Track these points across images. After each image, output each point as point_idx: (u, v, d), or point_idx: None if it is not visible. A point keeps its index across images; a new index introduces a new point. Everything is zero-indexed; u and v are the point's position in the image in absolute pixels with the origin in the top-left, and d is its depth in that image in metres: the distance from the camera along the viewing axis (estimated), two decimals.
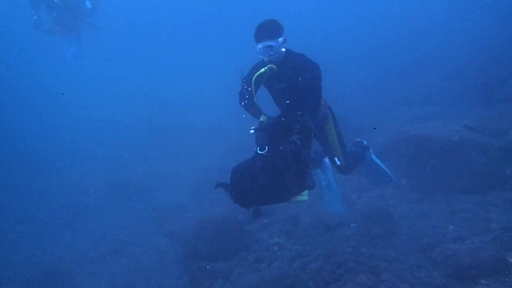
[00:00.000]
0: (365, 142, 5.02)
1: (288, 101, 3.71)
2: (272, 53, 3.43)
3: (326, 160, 4.70)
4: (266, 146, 3.19)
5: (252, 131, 3.38)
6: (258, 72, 3.46)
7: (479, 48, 11.32)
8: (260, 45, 3.42)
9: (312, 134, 3.35)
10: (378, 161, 4.98)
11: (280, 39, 3.44)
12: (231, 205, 6.67)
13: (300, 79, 3.47)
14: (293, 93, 3.62)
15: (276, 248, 4.95)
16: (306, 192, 3.27)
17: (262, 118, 3.78)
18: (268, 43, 3.39)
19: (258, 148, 3.22)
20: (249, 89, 3.63)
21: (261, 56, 3.52)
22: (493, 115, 6.56)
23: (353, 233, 4.82)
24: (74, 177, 11.61)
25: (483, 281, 3.34)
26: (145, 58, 29.79)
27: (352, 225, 5.07)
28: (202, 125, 13.88)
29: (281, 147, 3.08)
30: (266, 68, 3.44)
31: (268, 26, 3.40)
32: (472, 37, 13.22)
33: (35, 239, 8.06)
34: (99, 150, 13.47)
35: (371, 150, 4.98)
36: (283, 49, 3.52)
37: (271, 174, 3.03)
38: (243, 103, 3.82)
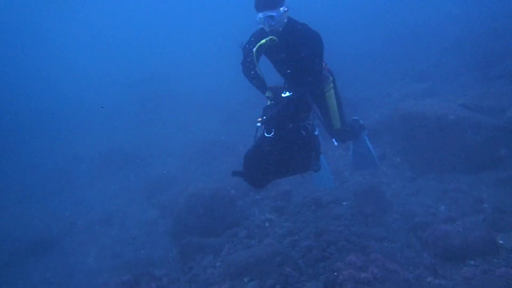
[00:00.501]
0: (361, 121, 4.90)
1: (289, 71, 3.63)
2: (273, 23, 3.29)
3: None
4: (273, 129, 3.30)
5: (258, 124, 3.35)
6: (259, 44, 3.33)
7: (478, 22, 11.04)
8: (260, 15, 3.28)
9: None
10: (369, 144, 4.81)
11: (281, 8, 3.29)
12: (223, 179, 6.69)
13: (301, 50, 3.36)
14: (294, 63, 3.53)
15: (267, 224, 4.95)
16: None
17: (267, 94, 3.70)
18: (269, 13, 3.24)
19: (265, 131, 3.34)
20: (250, 59, 3.50)
21: (261, 25, 3.39)
22: (491, 92, 6.47)
23: (345, 211, 4.82)
24: (64, 142, 11.44)
25: (472, 262, 3.38)
26: (142, 21, 28.85)
27: (344, 203, 5.07)
28: (197, 93, 13.57)
29: (289, 132, 3.33)
30: (266, 39, 3.31)
31: None
32: (471, 10, 12.89)
33: (23, 205, 8.01)
34: (91, 115, 13.20)
35: (366, 131, 4.86)
36: (285, 19, 3.37)
37: (280, 157, 3.33)
38: (246, 74, 3.70)
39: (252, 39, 3.59)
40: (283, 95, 3.47)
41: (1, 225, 7.24)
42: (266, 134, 3.32)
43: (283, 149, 3.32)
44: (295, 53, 3.43)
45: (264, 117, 3.37)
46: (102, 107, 12.57)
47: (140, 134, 10.69)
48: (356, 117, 4.93)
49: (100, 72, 19.13)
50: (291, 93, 3.43)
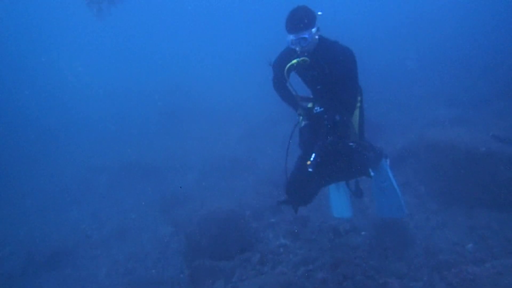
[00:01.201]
0: (383, 151, 4.60)
1: (319, 86, 3.62)
2: (305, 45, 3.28)
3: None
4: (313, 154, 3.29)
5: (310, 169, 3.25)
6: (289, 64, 3.34)
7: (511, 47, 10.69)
8: (292, 37, 3.27)
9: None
10: (392, 178, 4.32)
11: (313, 29, 3.27)
12: (239, 198, 6.61)
13: (334, 68, 3.37)
14: (325, 80, 3.52)
15: (281, 250, 4.80)
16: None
17: (299, 112, 3.76)
18: (302, 35, 3.23)
19: (305, 157, 3.41)
20: (281, 76, 3.54)
21: (293, 46, 3.34)
22: None
23: (363, 242, 4.63)
24: (85, 152, 11.70)
25: None
26: (167, 32, 29.58)
27: (363, 233, 4.87)
28: (220, 108, 13.66)
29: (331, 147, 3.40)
30: (298, 60, 3.30)
31: (301, 16, 3.22)
32: (505, 34, 12.50)
33: (41, 215, 8.16)
34: (111, 126, 13.49)
35: (388, 160, 4.52)
36: (316, 39, 3.37)
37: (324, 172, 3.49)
38: (278, 91, 3.78)
39: (282, 57, 3.58)
40: (315, 111, 3.51)
41: (21, 235, 7.40)
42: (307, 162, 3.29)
43: (327, 164, 3.42)
44: (328, 71, 3.41)
45: (312, 157, 3.26)
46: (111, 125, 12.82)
47: (160, 147, 10.79)
48: (378, 145, 4.75)
49: (122, 84, 19.58)
50: (322, 109, 3.47)
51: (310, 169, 3.21)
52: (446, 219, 4.85)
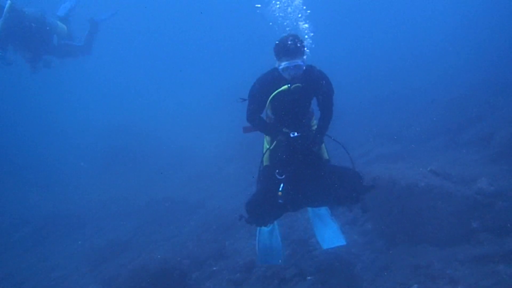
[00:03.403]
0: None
1: (296, 110, 3.70)
2: (299, 71, 3.41)
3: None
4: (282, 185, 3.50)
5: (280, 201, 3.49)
6: (280, 90, 3.44)
7: (450, 87, 11.64)
8: (286, 64, 3.35)
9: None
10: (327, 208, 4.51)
11: (305, 56, 3.42)
12: (181, 244, 6.18)
13: (318, 91, 3.59)
14: (304, 105, 3.70)
15: None
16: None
17: (280, 138, 3.81)
18: (296, 62, 3.34)
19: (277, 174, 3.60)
20: (262, 104, 3.63)
21: (284, 74, 3.43)
22: (460, 159, 6.50)
23: None
24: (9, 201, 10.60)
25: None
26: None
27: (309, 277, 4.66)
28: (170, 147, 13.23)
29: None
30: (290, 86, 3.40)
31: (297, 45, 3.32)
32: (445, 75, 13.66)
33: None
34: (43, 172, 12.50)
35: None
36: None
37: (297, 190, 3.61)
38: (254, 121, 3.81)
39: (265, 84, 3.60)
40: (291, 135, 3.58)
41: None
42: (278, 176, 3.55)
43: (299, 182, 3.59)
44: (310, 95, 3.62)
45: (284, 172, 3.55)
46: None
47: (97, 193, 10.07)
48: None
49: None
50: (299, 134, 3.57)
51: (280, 201, 3.41)
52: (393, 258, 4.80)
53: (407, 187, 5.00)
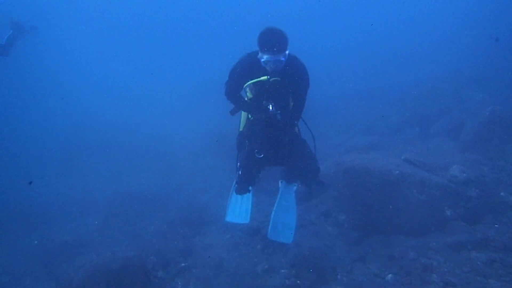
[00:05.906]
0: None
1: (275, 98, 3.66)
2: (280, 66, 3.42)
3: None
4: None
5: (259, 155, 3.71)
6: (257, 80, 3.44)
7: (420, 79, 11.90)
8: (268, 57, 3.34)
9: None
10: (294, 203, 4.58)
11: (287, 52, 3.40)
12: (148, 241, 5.89)
13: (296, 84, 3.60)
14: (282, 95, 3.65)
15: None
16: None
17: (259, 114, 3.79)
18: (278, 57, 3.34)
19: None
20: (239, 86, 3.67)
21: (265, 66, 3.43)
22: (432, 149, 6.60)
23: (282, 282, 4.29)
24: None
25: None
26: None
27: (282, 271, 4.55)
28: (140, 141, 12.67)
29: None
30: (270, 79, 3.41)
31: (279, 39, 3.31)
32: (416, 67, 13.96)
33: None
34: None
35: (295, 186, 4.64)
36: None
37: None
38: (231, 99, 3.83)
39: (245, 68, 3.59)
40: (269, 107, 3.57)
41: None
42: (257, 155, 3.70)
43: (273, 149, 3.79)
44: (288, 88, 3.60)
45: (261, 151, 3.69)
46: None
47: (55, 188, 9.48)
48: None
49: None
50: (278, 111, 3.60)
51: (258, 156, 3.65)
52: (367, 249, 4.78)
53: (380, 176, 4.98)
